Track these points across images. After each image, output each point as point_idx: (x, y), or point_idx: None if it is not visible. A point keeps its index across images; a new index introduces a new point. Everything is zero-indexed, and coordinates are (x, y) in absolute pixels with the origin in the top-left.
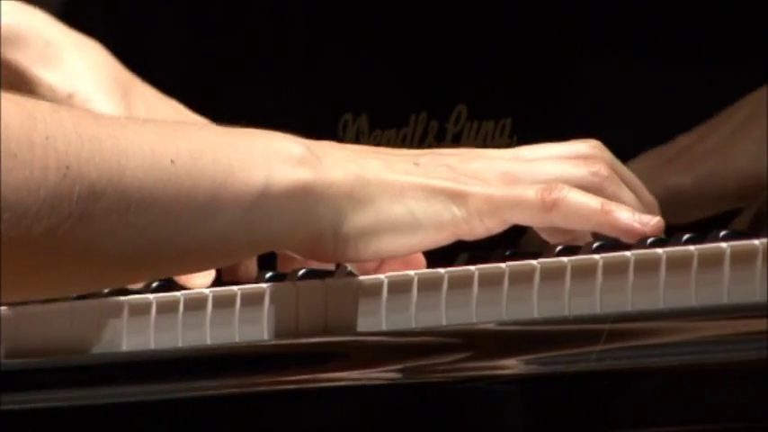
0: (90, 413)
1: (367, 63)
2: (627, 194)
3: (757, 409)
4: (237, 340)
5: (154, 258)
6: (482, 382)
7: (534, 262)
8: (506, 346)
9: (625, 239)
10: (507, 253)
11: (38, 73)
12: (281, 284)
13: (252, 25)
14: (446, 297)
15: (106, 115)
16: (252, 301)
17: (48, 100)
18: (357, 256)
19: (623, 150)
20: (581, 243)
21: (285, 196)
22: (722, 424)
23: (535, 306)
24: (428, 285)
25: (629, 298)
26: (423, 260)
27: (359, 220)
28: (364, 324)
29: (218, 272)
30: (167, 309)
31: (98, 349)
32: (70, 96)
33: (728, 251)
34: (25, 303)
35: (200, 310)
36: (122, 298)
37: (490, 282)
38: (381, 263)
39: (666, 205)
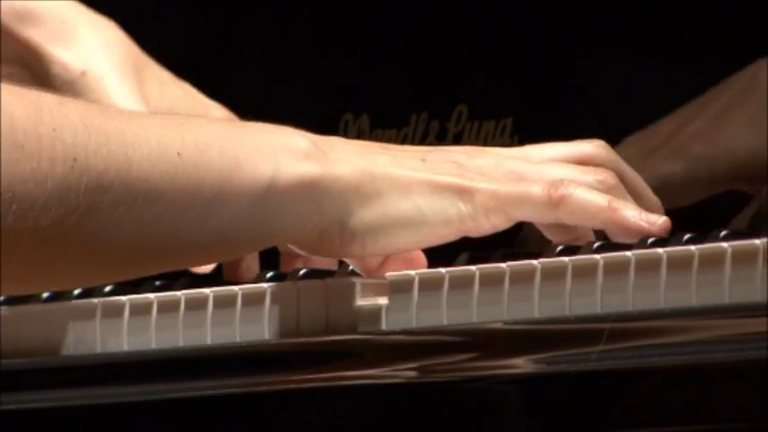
0: (92, 413)
1: (368, 62)
2: (631, 205)
3: (758, 409)
4: (238, 340)
5: (160, 251)
6: (484, 382)
7: (535, 262)
8: (508, 346)
9: (628, 239)
10: (507, 252)
11: (52, 50)
12: (282, 284)
13: (253, 24)
14: (447, 297)
15: (112, 108)
16: (253, 300)
17: (61, 78)
18: (363, 250)
19: None
20: (582, 243)
21: (292, 190)
22: (723, 424)
23: (536, 306)
24: (429, 285)
25: (629, 298)
26: (424, 260)
27: (365, 215)
28: (365, 324)
29: (220, 270)
30: (168, 308)
31: (99, 349)
32: (83, 74)
33: (729, 251)
34: (25, 303)
35: (201, 310)
36: (123, 297)
37: (491, 281)
38: (383, 261)
39: (658, 192)
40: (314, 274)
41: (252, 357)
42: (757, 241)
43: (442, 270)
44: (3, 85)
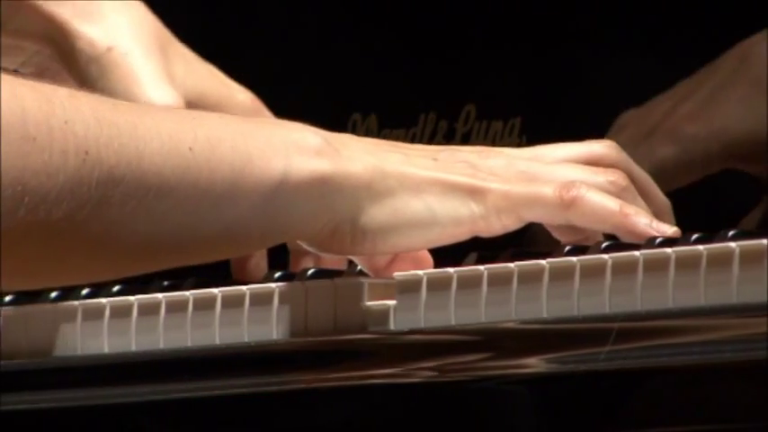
0: (98, 413)
1: (376, 62)
2: (642, 206)
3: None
4: (246, 340)
5: (170, 245)
6: (493, 382)
7: (543, 262)
8: (517, 346)
9: (637, 241)
10: (515, 252)
11: (78, 26)
12: (290, 284)
13: (261, 24)
14: (455, 297)
15: (124, 102)
16: (261, 300)
17: (86, 54)
18: (374, 249)
19: None
20: (591, 243)
21: (303, 186)
22: (732, 424)
23: (544, 306)
24: (437, 285)
25: (638, 297)
26: (431, 259)
27: (377, 213)
28: (373, 324)
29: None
30: (176, 308)
31: (107, 349)
32: (109, 50)
33: (737, 251)
34: (33, 302)
35: (209, 310)
36: (132, 297)
37: (499, 281)
38: (391, 261)
39: (655, 177)
40: (322, 274)
41: (260, 357)
42: (765, 241)
43: (451, 270)
44: (14, 77)
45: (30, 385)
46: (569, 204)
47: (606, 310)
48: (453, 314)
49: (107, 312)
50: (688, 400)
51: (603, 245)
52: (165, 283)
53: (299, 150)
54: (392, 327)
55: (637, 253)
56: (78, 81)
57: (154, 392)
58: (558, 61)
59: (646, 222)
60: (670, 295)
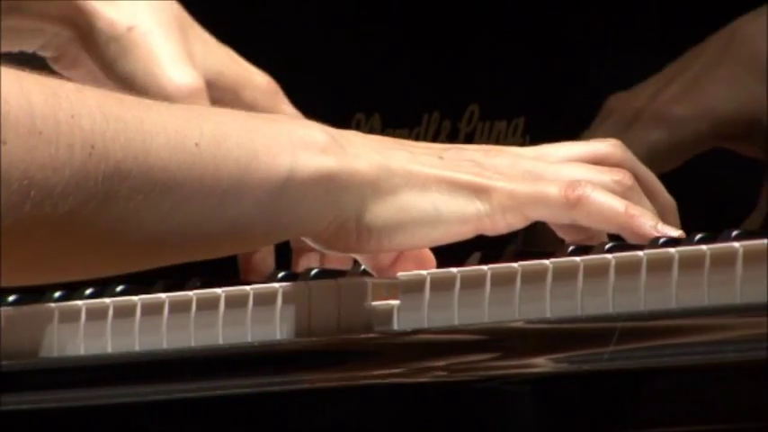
0: (101, 414)
1: (380, 62)
2: (647, 206)
3: None
4: (250, 340)
5: (176, 241)
6: (495, 382)
7: (547, 261)
8: (520, 346)
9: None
10: (519, 252)
11: (98, 7)
12: (293, 284)
13: (264, 23)
14: (459, 297)
15: (130, 96)
16: (264, 300)
17: (106, 34)
18: (380, 247)
19: None
20: (595, 243)
21: (309, 183)
22: (735, 424)
23: (548, 305)
24: (441, 285)
25: (641, 297)
26: (434, 259)
27: (382, 211)
28: (377, 323)
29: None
30: (180, 308)
31: (111, 349)
32: (130, 30)
33: (741, 251)
34: (36, 302)
35: (213, 310)
36: (135, 297)
37: (503, 281)
38: (395, 260)
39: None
40: (326, 273)
41: (263, 357)
42: None
43: (454, 270)
44: (21, 71)
45: (32, 385)
46: (574, 204)
47: (609, 310)
48: (457, 314)
49: (110, 312)
50: (691, 400)
51: (607, 245)
52: (169, 283)
53: (305, 147)
54: (396, 327)
55: (640, 253)
56: (98, 62)
57: (157, 392)
58: (562, 61)
59: (651, 224)
60: (673, 295)
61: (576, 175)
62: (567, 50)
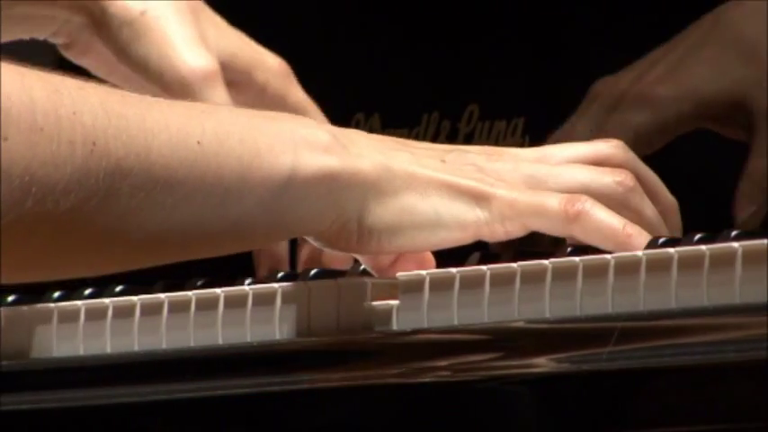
0: (100, 414)
1: (379, 62)
2: (649, 207)
3: None
4: (249, 340)
5: (178, 239)
6: (495, 382)
7: (546, 262)
8: (520, 346)
9: None
10: (518, 252)
11: None
12: (293, 284)
13: (264, 23)
14: (458, 297)
15: (132, 94)
16: (264, 300)
17: (119, 18)
18: (380, 248)
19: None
20: None
21: (312, 182)
22: (734, 424)
23: (547, 306)
24: (440, 285)
25: (640, 298)
26: (433, 260)
27: (383, 213)
28: (377, 324)
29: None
30: (179, 308)
31: (110, 349)
32: (142, 13)
33: (740, 251)
34: (36, 303)
35: (212, 310)
36: (134, 297)
37: (502, 281)
38: (395, 260)
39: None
40: (325, 273)
41: (263, 357)
42: None
43: (453, 270)
44: (22, 67)
45: (31, 385)
46: (573, 219)
47: (609, 310)
48: (456, 314)
49: (109, 312)
50: (691, 400)
51: None
52: (168, 283)
53: (307, 146)
54: (395, 327)
55: (640, 253)
56: (111, 47)
57: (156, 393)
58: (561, 61)
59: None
60: (673, 295)
61: (577, 177)
62: (567, 50)
